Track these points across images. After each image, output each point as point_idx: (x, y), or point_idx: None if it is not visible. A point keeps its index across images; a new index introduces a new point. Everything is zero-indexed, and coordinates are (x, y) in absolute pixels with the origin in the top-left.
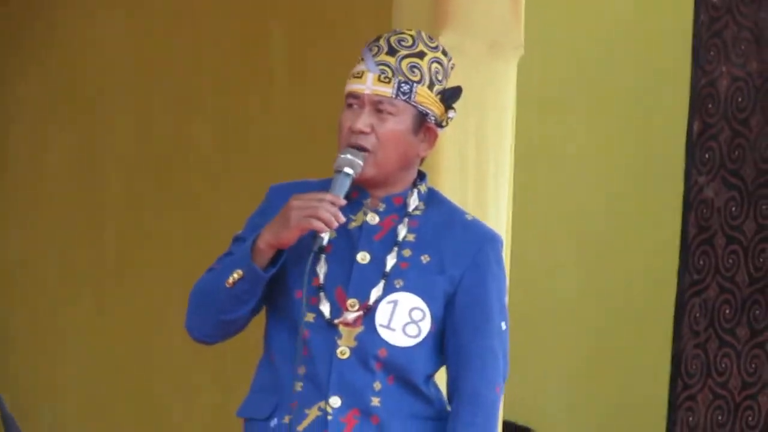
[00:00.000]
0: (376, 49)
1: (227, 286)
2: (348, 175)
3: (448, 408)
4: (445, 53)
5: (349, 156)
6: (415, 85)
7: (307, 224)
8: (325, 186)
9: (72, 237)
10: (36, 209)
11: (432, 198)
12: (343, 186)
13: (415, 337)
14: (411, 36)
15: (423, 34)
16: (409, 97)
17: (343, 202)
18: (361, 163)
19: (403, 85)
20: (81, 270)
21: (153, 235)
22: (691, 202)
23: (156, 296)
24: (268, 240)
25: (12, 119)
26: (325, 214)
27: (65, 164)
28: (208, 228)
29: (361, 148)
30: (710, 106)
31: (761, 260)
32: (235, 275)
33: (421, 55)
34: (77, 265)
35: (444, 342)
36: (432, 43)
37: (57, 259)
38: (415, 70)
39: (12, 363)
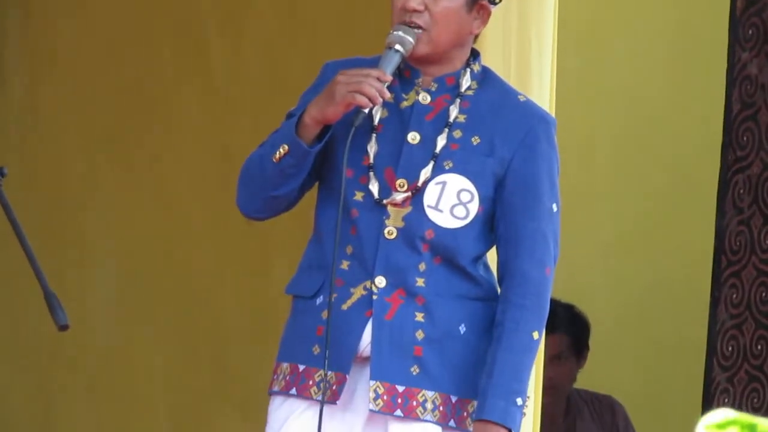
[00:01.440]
0: None
1: (274, 161)
2: (397, 51)
3: (498, 289)
4: None
5: (400, 33)
6: None
7: (352, 99)
8: (377, 63)
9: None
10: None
11: (485, 77)
12: (391, 62)
13: (463, 218)
14: None
15: None
16: None
17: (390, 78)
18: (411, 40)
19: None
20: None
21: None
22: (734, 78)
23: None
24: (313, 115)
25: None
26: (369, 90)
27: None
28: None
29: (415, 26)
30: None
31: None
32: (281, 150)
33: None
34: None
35: (494, 224)
36: None
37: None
38: None
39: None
